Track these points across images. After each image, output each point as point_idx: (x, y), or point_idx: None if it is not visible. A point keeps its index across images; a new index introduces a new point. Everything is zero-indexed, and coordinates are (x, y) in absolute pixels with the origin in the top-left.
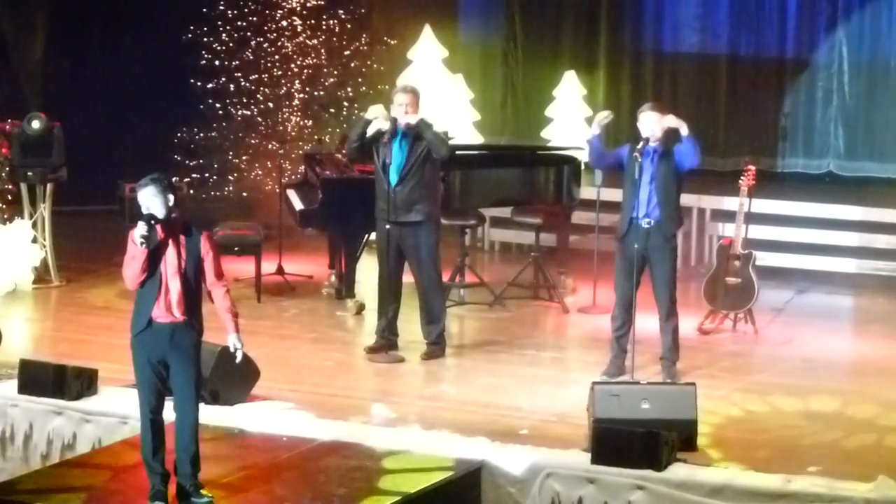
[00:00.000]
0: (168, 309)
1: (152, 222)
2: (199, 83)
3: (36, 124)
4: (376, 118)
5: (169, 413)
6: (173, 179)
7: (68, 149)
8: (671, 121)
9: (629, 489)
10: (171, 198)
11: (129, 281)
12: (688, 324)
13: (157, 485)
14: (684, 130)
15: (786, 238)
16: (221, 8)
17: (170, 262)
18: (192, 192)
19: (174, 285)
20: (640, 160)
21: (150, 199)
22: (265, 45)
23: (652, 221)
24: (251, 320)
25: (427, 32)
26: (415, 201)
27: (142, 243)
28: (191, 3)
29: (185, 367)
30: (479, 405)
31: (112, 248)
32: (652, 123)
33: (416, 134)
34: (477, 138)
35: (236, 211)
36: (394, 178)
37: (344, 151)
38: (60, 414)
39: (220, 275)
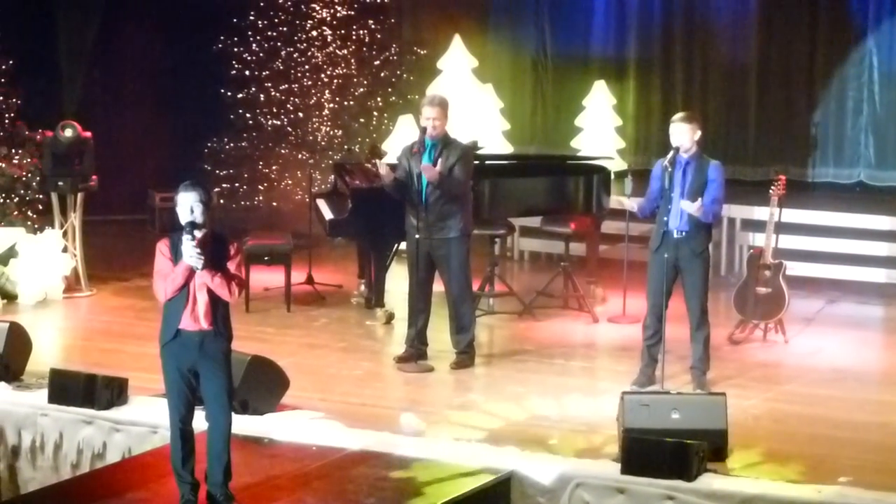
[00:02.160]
0: (196, 320)
1: (194, 233)
2: (229, 93)
3: (69, 132)
4: (388, 173)
5: (200, 422)
6: None
7: (98, 158)
8: (688, 207)
9: (659, 499)
10: (208, 205)
11: (162, 294)
12: (718, 333)
13: (186, 494)
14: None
15: (816, 248)
16: (252, 18)
17: (198, 273)
18: (222, 201)
19: (202, 297)
20: (669, 170)
21: (194, 204)
22: (295, 55)
23: (683, 233)
24: (281, 329)
25: (457, 42)
26: (446, 216)
27: (198, 261)
28: (221, 13)
29: (216, 374)
30: (508, 415)
31: (142, 257)
32: (681, 134)
33: (444, 144)
34: (506, 148)
35: (266, 221)
36: (423, 188)
37: (374, 161)
38: (90, 423)
39: (237, 268)
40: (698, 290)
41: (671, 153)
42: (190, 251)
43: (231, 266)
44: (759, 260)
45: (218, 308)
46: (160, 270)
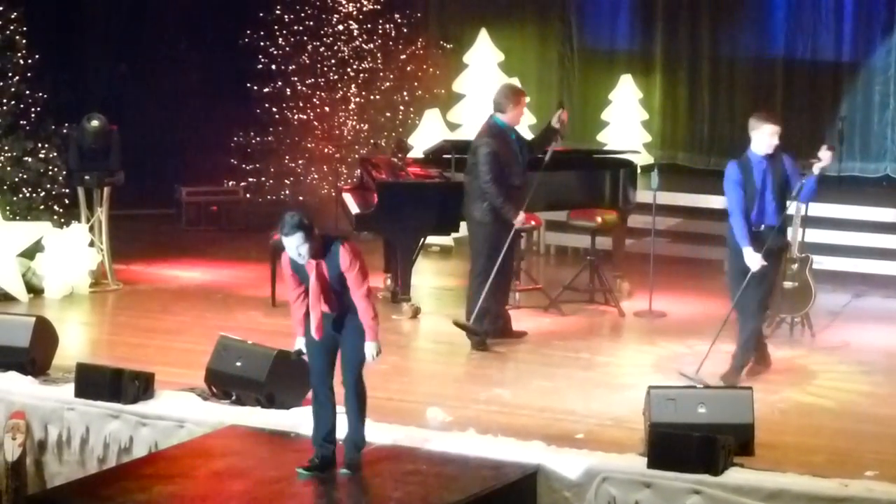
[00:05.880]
0: (317, 330)
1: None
2: (255, 87)
3: (95, 123)
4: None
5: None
6: (230, 183)
7: (125, 152)
8: (825, 156)
9: (686, 493)
10: (312, 234)
11: None
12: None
13: (312, 459)
14: (816, 169)
15: (843, 242)
16: (278, 12)
17: (312, 291)
18: (248, 195)
19: (314, 314)
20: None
21: (300, 248)
22: (321, 50)
23: (764, 227)
24: None
25: (483, 36)
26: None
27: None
28: (247, 7)
29: (349, 345)
30: (534, 409)
31: (169, 251)
32: (775, 135)
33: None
34: None
35: None
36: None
37: (400, 155)
38: (117, 417)
39: (360, 285)
40: (769, 284)
41: (749, 154)
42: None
43: (349, 280)
44: (785, 254)
45: (339, 314)
46: (288, 289)
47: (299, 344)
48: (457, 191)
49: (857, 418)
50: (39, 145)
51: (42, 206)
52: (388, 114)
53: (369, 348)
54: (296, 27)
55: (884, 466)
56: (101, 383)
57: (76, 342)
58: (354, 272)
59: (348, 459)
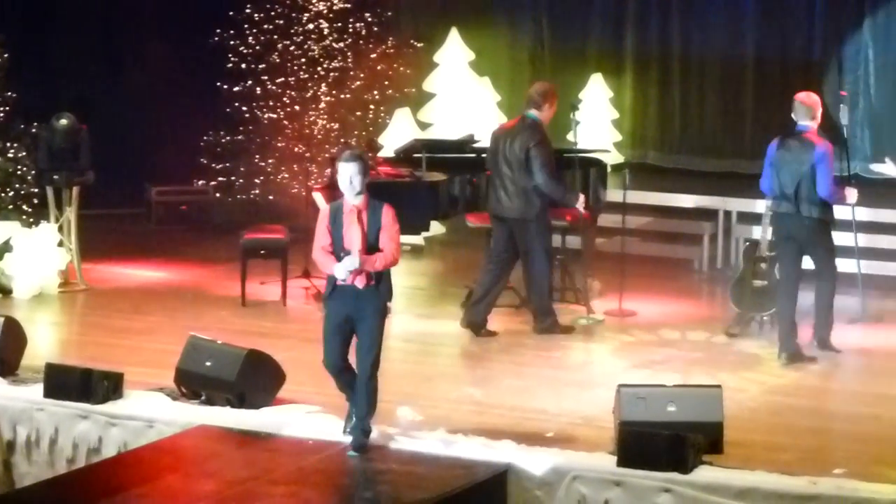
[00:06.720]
0: (351, 280)
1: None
2: (225, 86)
3: (64, 122)
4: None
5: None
6: (200, 183)
7: (94, 152)
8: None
9: (656, 492)
10: (367, 174)
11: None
12: (715, 327)
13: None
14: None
15: None
16: (248, 11)
17: (354, 239)
18: (218, 195)
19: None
20: None
21: (353, 175)
22: (292, 49)
23: None
24: (277, 324)
25: (454, 35)
26: None
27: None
28: (217, 6)
29: (367, 325)
30: (505, 408)
31: (138, 251)
32: None
33: None
34: None
35: (263, 214)
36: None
37: (370, 154)
38: (86, 418)
39: (396, 245)
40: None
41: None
42: (342, 273)
43: (383, 236)
44: (754, 252)
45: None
46: (317, 239)
47: (338, 270)
48: (428, 190)
49: (827, 416)
50: (8, 144)
51: (11, 206)
52: (358, 113)
53: (350, 259)
54: (266, 26)
55: (852, 464)
56: (70, 383)
57: (45, 342)
58: (393, 231)
59: (356, 443)
